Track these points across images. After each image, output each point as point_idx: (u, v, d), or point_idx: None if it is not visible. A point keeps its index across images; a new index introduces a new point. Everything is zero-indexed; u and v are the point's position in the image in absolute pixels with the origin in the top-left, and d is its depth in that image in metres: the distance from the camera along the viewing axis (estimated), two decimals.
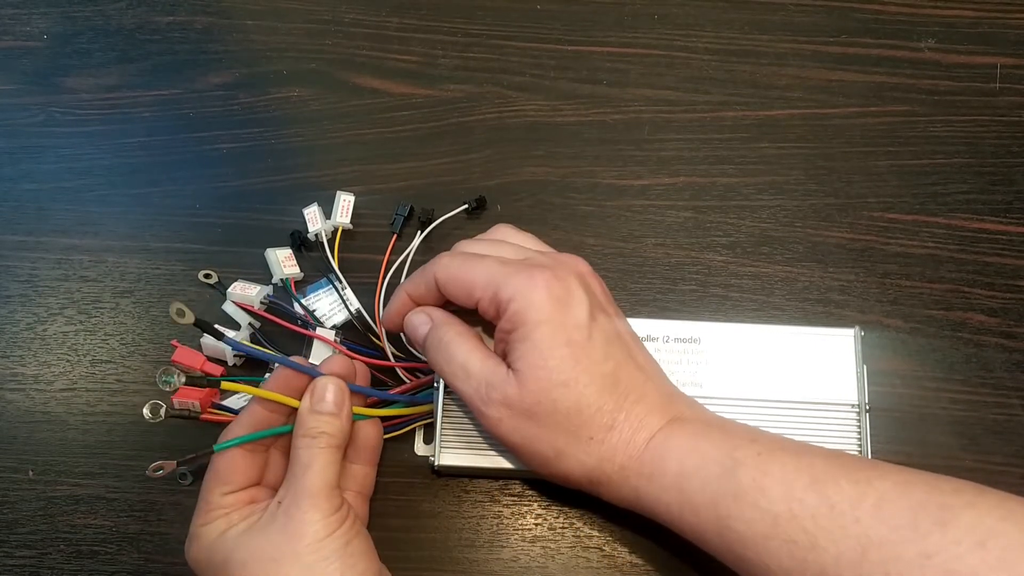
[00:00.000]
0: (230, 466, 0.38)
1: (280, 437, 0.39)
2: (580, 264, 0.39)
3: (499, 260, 0.37)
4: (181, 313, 0.35)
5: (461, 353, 0.37)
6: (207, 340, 0.43)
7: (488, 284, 0.37)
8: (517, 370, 0.36)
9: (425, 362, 0.44)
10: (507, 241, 0.41)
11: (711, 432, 0.36)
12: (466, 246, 0.40)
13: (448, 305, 0.40)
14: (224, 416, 0.42)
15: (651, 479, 0.36)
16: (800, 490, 0.33)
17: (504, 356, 0.37)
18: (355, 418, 0.40)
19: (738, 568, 0.34)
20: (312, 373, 0.39)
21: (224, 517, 0.37)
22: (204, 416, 0.42)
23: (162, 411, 0.37)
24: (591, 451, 0.36)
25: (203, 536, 0.37)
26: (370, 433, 0.41)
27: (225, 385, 0.38)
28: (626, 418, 0.36)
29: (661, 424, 0.36)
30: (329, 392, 0.38)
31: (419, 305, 0.40)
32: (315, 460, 0.36)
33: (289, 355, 0.43)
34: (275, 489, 0.39)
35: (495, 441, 0.40)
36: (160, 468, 0.36)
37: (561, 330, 0.36)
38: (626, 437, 0.36)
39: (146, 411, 0.37)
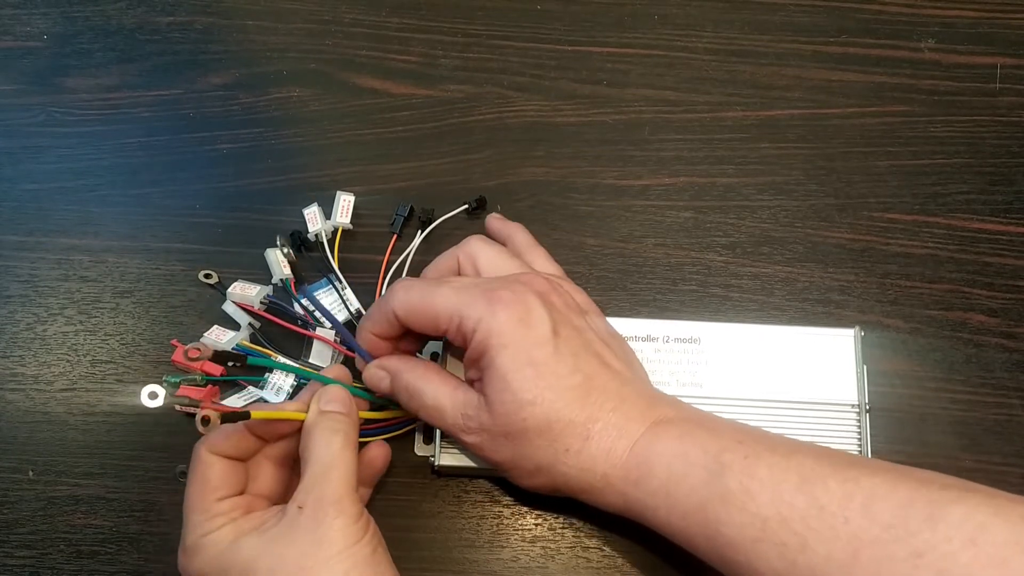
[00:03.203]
0: (222, 472, 0.37)
1: (267, 445, 0.39)
2: (538, 282, 0.39)
3: (457, 287, 0.38)
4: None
5: (429, 394, 0.38)
6: (207, 340, 0.44)
7: (452, 314, 0.37)
8: (486, 395, 0.36)
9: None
10: (474, 264, 0.41)
11: (697, 433, 0.36)
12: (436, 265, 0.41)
13: (408, 334, 0.40)
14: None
15: (637, 485, 0.36)
16: (789, 492, 0.33)
17: (475, 381, 0.38)
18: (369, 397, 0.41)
19: (727, 572, 0.34)
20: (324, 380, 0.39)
21: (231, 524, 0.36)
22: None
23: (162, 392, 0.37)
24: (570, 462, 0.36)
25: (209, 546, 0.35)
26: (378, 454, 0.41)
27: (255, 414, 0.36)
28: (603, 428, 0.36)
29: (643, 429, 0.36)
30: (336, 394, 0.38)
31: (384, 340, 0.40)
32: (337, 462, 0.36)
33: (288, 355, 0.44)
34: (265, 497, 0.39)
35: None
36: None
37: (523, 351, 0.36)
38: (605, 446, 0.36)
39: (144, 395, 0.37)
